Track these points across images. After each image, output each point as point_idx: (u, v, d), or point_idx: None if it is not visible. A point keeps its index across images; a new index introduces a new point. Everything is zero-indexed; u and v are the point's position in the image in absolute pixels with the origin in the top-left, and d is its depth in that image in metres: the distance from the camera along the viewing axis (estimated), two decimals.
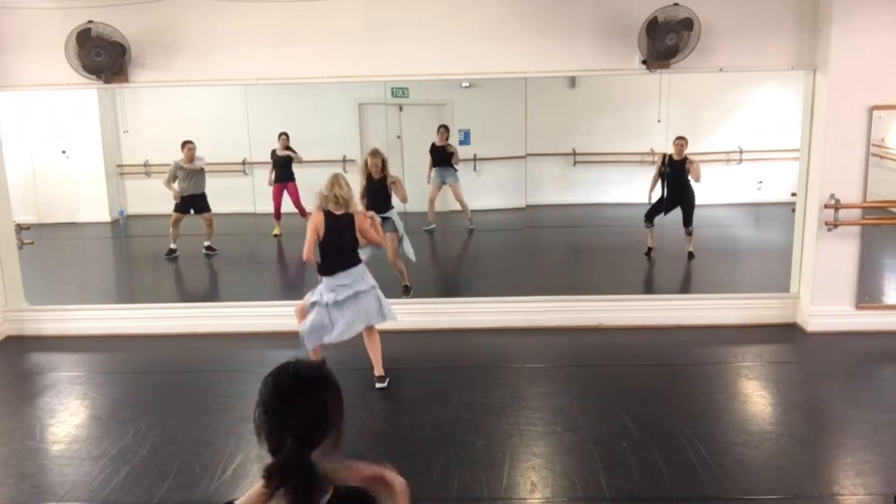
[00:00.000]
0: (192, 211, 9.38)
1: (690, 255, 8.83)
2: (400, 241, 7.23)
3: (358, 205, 5.84)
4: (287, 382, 1.71)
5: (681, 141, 8.60)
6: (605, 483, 4.22)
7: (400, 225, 7.29)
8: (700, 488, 4.19)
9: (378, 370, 5.57)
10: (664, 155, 8.78)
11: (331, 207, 5.33)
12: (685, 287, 7.52)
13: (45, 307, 7.14)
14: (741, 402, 5.46)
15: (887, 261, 7.60)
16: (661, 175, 8.71)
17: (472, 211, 10.42)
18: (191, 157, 9.18)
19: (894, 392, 5.73)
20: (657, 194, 8.83)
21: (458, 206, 10.50)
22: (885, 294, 7.07)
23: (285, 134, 10.14)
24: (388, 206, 7.26)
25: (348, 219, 5.35)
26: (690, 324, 6.75)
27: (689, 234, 8.81)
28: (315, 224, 5.33)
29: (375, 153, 7.18)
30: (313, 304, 5.46)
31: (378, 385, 5.50)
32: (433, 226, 10.44)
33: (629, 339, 6.61)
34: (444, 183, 10.26)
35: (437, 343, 6.61)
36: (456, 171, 10.24)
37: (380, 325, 5.59)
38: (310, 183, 10.26)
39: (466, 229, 10.35)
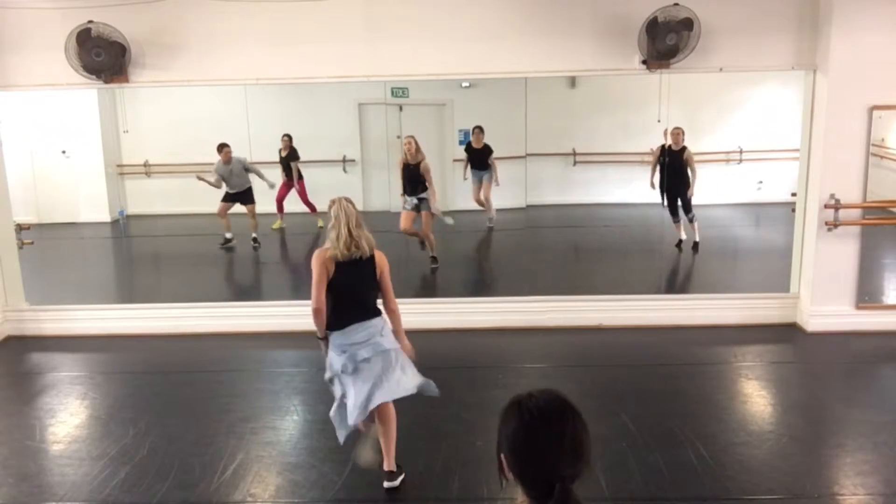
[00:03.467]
0: (237, 202, 9.80)
1: (695, 246, 8.96)
2: (432, 215, 8.33)
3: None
4: (536, 421, 1.63)
5: (677, 130, 8.88)
6: (605, 483, 4.21)
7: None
8: (700, 488, 4.19)
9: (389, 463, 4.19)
10: (662, 145, 9.00)
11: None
12: (685, 287, 7.52)
13: (45, 307, 7.14)
14: (741, 402, 5.46)
15: (887, 261, 7.59)
16: (661, 164, 8.95)
17: (472, 211, 10.43)
18: (227, 160, 9.54)
19: (894, 392, 5.73)
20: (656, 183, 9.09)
21: (465, 208, 10.54)
22: (885, 294, 7.07)
23: (287, 135, 10.24)
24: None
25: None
26: (690, 324, 6.75)
27: (691, 220, 8.99)
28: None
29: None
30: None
31: (387, 484, 4.15)
32: (493, 215, 10.40)
33: (629, 339, 6.61)
34: (481, 181, 10.30)
35: (437, 343, 6.59)
36: (492, 169, 10.28)
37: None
38: (311, 181, 10.40)
39: (487, 227, 10.40)
